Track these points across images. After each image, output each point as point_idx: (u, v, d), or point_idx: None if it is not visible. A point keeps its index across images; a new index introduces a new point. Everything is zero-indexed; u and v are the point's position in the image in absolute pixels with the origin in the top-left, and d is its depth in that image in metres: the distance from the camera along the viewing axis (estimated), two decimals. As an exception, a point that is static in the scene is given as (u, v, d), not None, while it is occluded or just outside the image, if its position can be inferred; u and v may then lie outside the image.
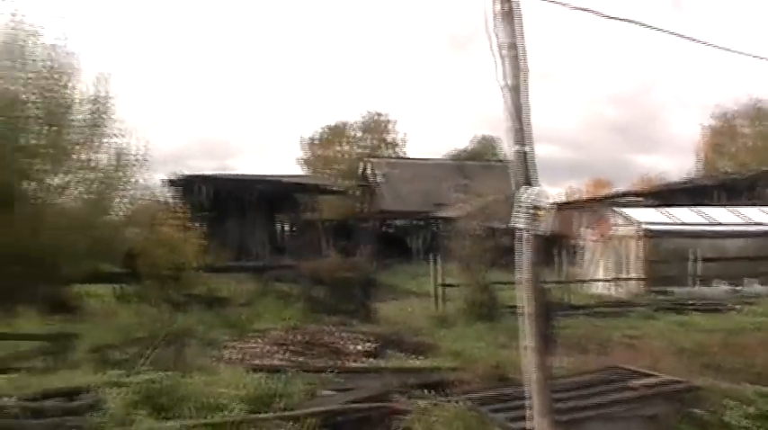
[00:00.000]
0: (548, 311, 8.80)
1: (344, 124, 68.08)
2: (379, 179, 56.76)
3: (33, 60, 20.53)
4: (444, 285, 22.67)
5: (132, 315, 18.38)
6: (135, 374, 10.35)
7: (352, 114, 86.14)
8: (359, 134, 67.93)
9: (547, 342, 6.97)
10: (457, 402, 9.16)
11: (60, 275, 20.12)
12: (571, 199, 56.93)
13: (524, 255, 6.44)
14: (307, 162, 67.28)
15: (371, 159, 60.95)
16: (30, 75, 20.43)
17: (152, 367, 11.15)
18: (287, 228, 50.56)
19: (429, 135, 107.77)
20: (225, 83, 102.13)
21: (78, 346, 13.34)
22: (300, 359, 14.81)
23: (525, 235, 6.38)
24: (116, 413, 8.77)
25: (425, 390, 10.41)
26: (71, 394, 9.93)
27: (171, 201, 31.75)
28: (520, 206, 6.30)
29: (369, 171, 58.99)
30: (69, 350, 12.98)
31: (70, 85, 21.07)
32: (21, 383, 10.54)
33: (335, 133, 67.44)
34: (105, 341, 14.33)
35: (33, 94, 20.45)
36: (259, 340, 16.67)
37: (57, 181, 21.27)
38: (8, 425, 8.70)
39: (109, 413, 8.77)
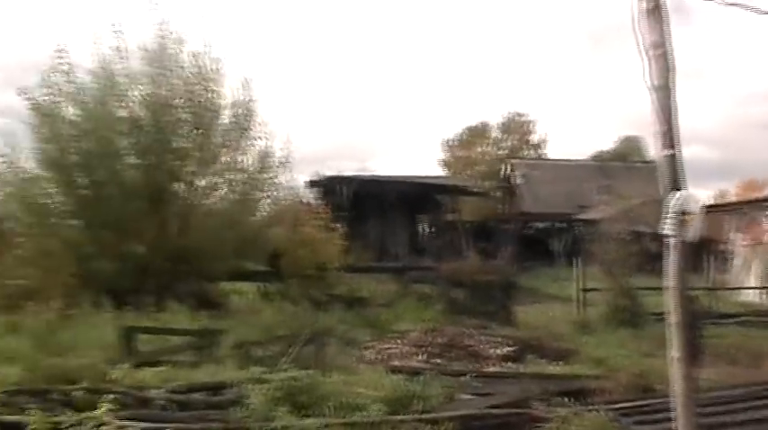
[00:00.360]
0: (695, 320, 8.43)
1: (485, 125, 67.60)
2: (519, 180, 56.10)
3: (181, 67, 21.41)
4: (586, 289, 22.17)
5: (275, 313, 18.76)
6: (277, 372, 10.54)
7: (493, 115, 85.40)
8: (499, 135, 67.31)
9: (694, 352, 6.65)
10: (598, 412, 8.89)
11: (207, 273, 20.83)
12: (720, 202, 54.59)
13: (671, 262, 6.17)
14: (447, 163, 67.15)
15: (512, 160, 60.30)
16: (178, 81, 21.29)
17: (294, 365, 11.34)
18: (427, 229, 50.61)
19: (571, 136, 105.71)
20: (365, 85, 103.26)
21: (223, 342, 13.71)
22: (439, 361, 14.79)
23: (673, 241, 6.11)
24: (258, 409, 8.92)
25: (566, 398, 10.17)
26: (215, 388, 10.22)
27: (313, 201, 32.34)
28: (668, 211, 6.03)
29: (509, 172, 58.39)
30: (215, 346, 13.36)
31: (216, 89, 21.85)
32: (168, 376, 10.94)
33: (476, 134, 67.04)
34: (249, 338, 14.67)
35: (182, 98, 21.30)
36: (398, 341, 16.74)
37: (204, 182, 22.08)
38: (155, 416, 9.01)
39: (251, 408, 8.94)
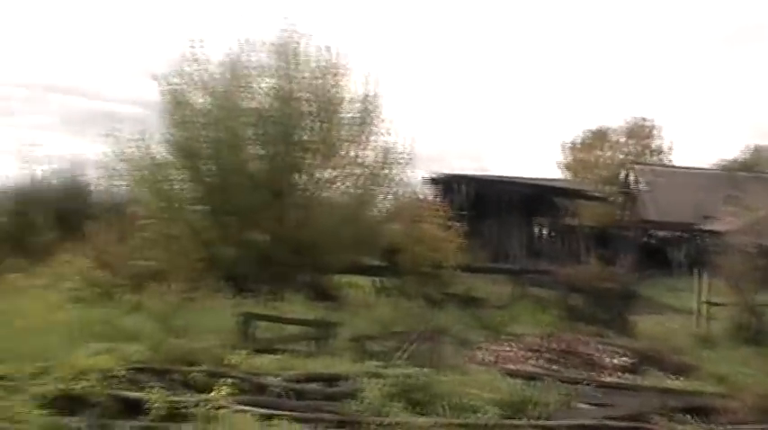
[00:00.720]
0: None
1: (607, 129, 66.16)
2: (642, 187, 54.60)
3: (306, 60, 21.66)
4: (709, 303, 21.37)
5: (390, 308, 18.77)
6: (392, 367, 10.54)
7: (616, 119, 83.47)
8: (622, 139, 65.74)
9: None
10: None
11: (324, 265, 21.04)
12: None
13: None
14: (567, 166, 66.04)
15: (635, 166, 58.77)
16: (304, 74, 21.58)
17: (408, 362, 11.32)
18: (544, 232, 49.86)
19: (697, 143, 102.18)
20: (486, 84, 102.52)
21: (339, 334, 13.81)
22: (554, 367, 14.52)
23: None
24: (372, 403, 8.94)
25: (687, 415, 9.80)
26: (331, 380, 10.30)
27: (431, 199, 32.23)
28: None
29: (631, 178, 56.92)
30: (331, 337, 13.47)
31: (340, 83, 22.04)
32: (285, 365, 11.07)
33: (597, 137, 65.60)
34: (364, 331, 14.74)
35: (307, 91, 21.57)
36: (513, 344, 16.54)
37: (325, 175, 22.28)
38: (271, 402, 9.12)
39: (366, 402, 8.96)
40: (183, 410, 8.89)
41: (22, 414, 8.77)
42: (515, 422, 8.88)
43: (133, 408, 9.27)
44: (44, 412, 8.92)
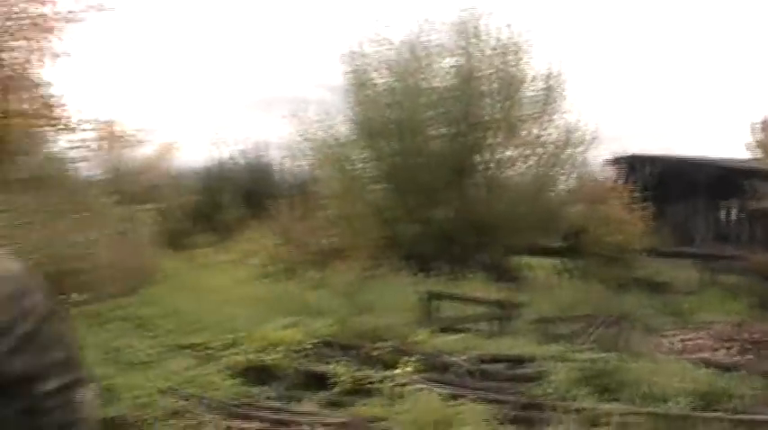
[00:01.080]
0: None
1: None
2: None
3: (487, 38, 21.44)
4: None
5: (573, 291, 18.37)
6: (578, 351, 10.28)
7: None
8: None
9: None
10: None
11: (505, 245, 20.84)
12: None
13: None
14: (759, 145, 62.55)
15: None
16: (484, 53, 21.37)
17: (594, 346, 11.02)
18: (732, 215, 47.45)
19: None
20: (671, 62, 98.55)
21: (521, 316, 13.62)
22: (747, 358, 13.74)
23: None
24: (559, 387, 8.73)
25: None
26: (514, 361, 10.15)
27: (614, 180, 31.33)
28: None
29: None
30: (513, 318, 13.30)
31: (522, 61, 21.70)
32: (468, 344, 11.00)
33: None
34: (547, 314, 14.49)
35: (488, 70, 21.36)
36: (700, 332, 15.79)
37: (507, 154, 22.03)
38: (455, 382, 9.09)
39: (552, 386, 8.76)
40: (368, 385, 9.02)
41: (216, 382, 9.16)
42: (710, 414, 8.42)
43: (319, 381, 9.49)
44: (236, 381, 9.29)
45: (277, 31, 57.35)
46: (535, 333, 12.69)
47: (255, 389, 9.23)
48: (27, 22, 17.40)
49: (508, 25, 21.56)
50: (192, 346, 10.59)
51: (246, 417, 7.84)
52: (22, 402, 2.34)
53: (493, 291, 16.35)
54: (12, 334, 2.28)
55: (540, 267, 23.09)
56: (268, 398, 8.96)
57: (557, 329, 13.20)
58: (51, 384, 2.36)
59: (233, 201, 26.83)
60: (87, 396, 2.49)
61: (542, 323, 13.40)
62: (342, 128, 22.29)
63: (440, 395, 8.00)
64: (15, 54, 17.60)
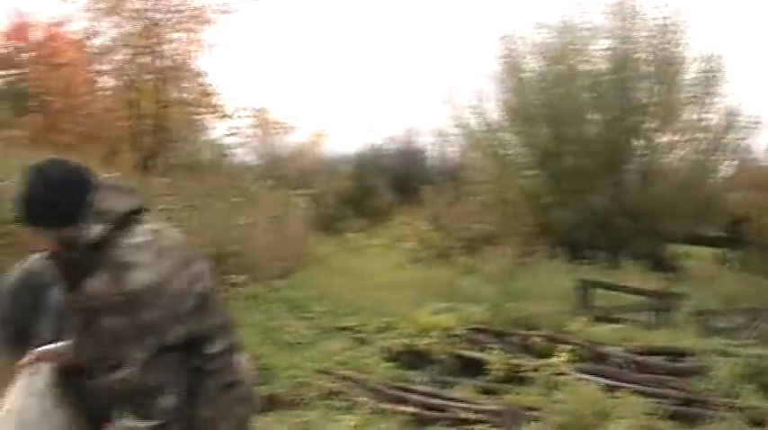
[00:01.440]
0: None
1: None
2: None
3: (643, 20, 20.79)
4: None
5: (735, 282, 17.58)
6: (741, 346, 9.88)
7: None
8: None
9: None
10: None
11: (663, 233, 20.20)
12: None
13: None
14: None
15: None
16: (641, 33, 20.77)
17: (758, 341, 10.57)
18: None
19: None
20: None
21: (681, 307, 13.18)
22: None
23: None
24: (721, 383, 8.42)
25: None
26: (674, 354, 9.85)
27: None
28: None
29: None
30: (672, 309, 12.88)
31: (681, 42, 20.91)
32: (625, 335, 10.77)
33: None
34: (707, 305, 13.96)
35: (644, 52, 20.74)
36: None
37: (665, 140, 21.35)
38: (612, 373, 8.92)
39: (714, 382, 8.46)
40: (522, 373, 8.97)
41: (371, 365, 9.33)
42: None
43: (472, 367, 9.53)
44: (390, 364, 9.43)
45: (430, 17, 57.45)
46: (695, 325, 12.25)
47: (410, 373, 9.36)
48: (186, 14, 18.19)
49: (666, 5, 20.84)
50: (346, 329, 10.82)
51: (400, 401, 7.95)
52: (195, 361, 2.50)
53: (650, 281, 15.88)
54: (191, 295, 2.45)
55: (698, 257, 22.26)
56: (421, 382, 9.05)
57: (717, 322, 12.69)
58: (217, 346, 2.52)
59: (384, 186, 27.16)
60: (243, 361, 2.64)
61: (702, 315, 12.89)
62: (494, 114, 22.19)
63: (597, 386, 7.86)
64: (175, 45, 18.43)
